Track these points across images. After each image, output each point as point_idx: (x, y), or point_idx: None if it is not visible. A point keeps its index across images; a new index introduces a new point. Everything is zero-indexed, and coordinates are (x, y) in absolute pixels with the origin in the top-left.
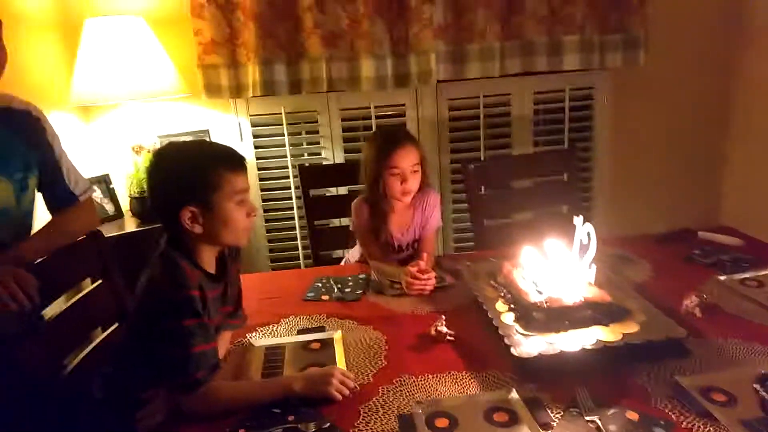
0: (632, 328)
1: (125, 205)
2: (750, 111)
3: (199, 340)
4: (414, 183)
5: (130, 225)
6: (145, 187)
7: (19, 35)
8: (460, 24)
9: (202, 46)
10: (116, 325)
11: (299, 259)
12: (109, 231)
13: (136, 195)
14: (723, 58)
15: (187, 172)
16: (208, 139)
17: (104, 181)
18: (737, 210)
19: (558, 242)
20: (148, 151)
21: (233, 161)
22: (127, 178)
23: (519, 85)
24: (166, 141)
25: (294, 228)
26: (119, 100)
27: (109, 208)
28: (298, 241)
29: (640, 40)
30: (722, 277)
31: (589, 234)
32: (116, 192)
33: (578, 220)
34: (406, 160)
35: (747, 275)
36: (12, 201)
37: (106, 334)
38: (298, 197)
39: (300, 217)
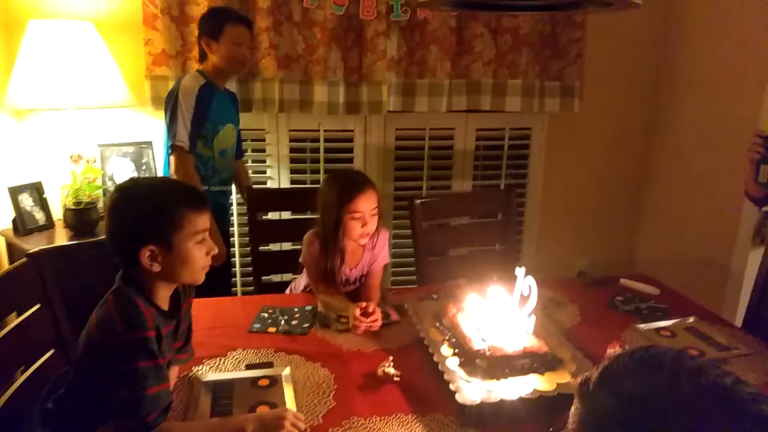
0: (565, 377)
1: (57, 215)
2: (669, 165)
3: (152, 382)
4: (373, 226)
5: (61, 236)
6: (82, 198)
7: None
8: (413, 59)
9: (152, 56)
10: (52, 351)
11: (235, 284)
12: (39, 242)
13: (72, 207)
14: (647, 115)
15: (149, 212)
16: (169, 177)
17: (36, 189)
18: (650, 257)
19: (500, 290)
20: (87, 161)
21: (195, 201)
22: (63, 188)
23: (463, 121)
24: (106, 150)
25: (232, 249)
26: (59, 107)
27: (40, 217)
28: (237, 267)
29: (575, 89)
30: (640, 326)
31: (530, 286)
32: (48, 201)
33: (520, 271)
34: (368, 204)
35: (662, 324)
36: (233, 143)
37: (41, 361)
38: (240, 215)
39: (241, 237)
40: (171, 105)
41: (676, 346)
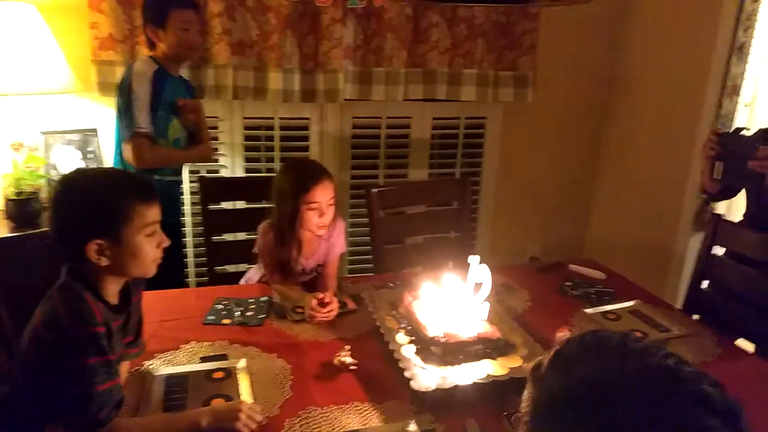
0: (516, 362)
1: None
2: (617, 155)
3: (103, 378)
4: (329, 216)
5: (2, 228)
6: (23, 188)
7: None
8: (369, 47)
9: (98, 40)
10: None
11: (188, 275)
12: None
13: (13, 197)
14: (598, 106)
15: (96, 205)
16: (117, 167)
17: None
18: (599, 243)
19: (455, 278)
20: (30, 150)
21: (144, 192)
22: (3, 177)
23: (419, 110)
24: (50, 138)
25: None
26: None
27: None
28: (190, 257)
29: (528, 78)
30: (587, 310)
31: (483, 274)
32: None
33: (474, 259)
34: (324, 194)
35: (608, 308)
36: (181, 134)
37: None
38: (193, 204)
39: (194, 227)
40: (125, 93)
41: (620, 328)
